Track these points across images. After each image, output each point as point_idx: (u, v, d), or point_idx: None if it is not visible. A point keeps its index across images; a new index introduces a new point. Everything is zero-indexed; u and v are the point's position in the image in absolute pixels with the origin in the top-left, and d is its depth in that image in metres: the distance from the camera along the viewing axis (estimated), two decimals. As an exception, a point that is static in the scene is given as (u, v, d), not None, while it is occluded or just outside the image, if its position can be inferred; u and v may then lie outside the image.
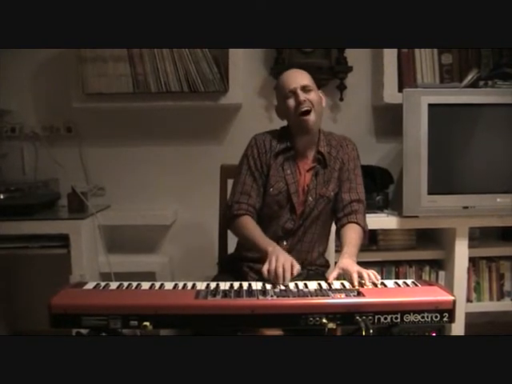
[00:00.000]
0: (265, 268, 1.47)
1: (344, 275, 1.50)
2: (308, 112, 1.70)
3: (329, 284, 1.45)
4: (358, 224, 1.72)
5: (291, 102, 1.72)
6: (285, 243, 1.74)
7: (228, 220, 1.78)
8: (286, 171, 1.76)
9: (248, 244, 1.72)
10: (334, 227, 1.86)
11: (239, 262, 1.79)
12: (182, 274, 2.60)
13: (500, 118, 2.24)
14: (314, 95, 1.73)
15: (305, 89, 1.72)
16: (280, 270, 1.44)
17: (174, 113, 2.59)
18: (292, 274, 1.46)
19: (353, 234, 1.68)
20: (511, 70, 2.32)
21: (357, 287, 1.40)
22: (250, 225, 1.70)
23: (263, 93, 2.60)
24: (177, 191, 2.66)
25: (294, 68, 1.82)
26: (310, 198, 1.75)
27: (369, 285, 1.41)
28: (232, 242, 1.96)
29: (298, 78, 1.74)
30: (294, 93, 1.71)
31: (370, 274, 1.45)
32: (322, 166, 1.77)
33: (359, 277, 1.44)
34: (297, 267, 1.48)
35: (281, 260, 1.47)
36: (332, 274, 1.51)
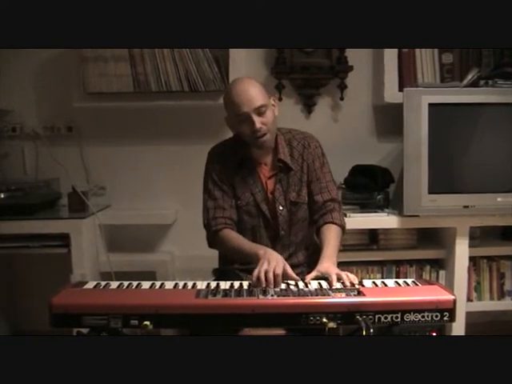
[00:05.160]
0: (255, 273, 1.44)
1: (323, 277, 1.49)
2: (264, 135, 1.63)
3: (329, 283, 1.45)
4: (335, 223, 1.70)
5: (245, 127, 1.61)
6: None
7: (209, 238, 1.74)
8: (248, 181, 1.72)
9: (236, 255, 1.68)
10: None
11: (233, 272, 1.73)
12: (182, 274, 2.59)
13: (500, 118, 2.24)
14: (268, 114, 1.62)
15: (259, 110, 1.59)
16: (270, 275, 1.41)
17: (174, 112, 2.59)
18: (290, 277, 1.45)
19: (331, 234, 1.66)
20: (512, 69, 2.32)
21: (336, 287, 1.40)
22: (232, 236, 1.67)
23: (264, 92, 2.60)
24: (177, 190, 2.66)
25: (246, 79, 1.68)
26: (280, 207, 1.71)
27: (348, 285, 1.41)
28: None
29: (250, 99, 1.58)
30: (248, 117, 1.59)
31: (350, 276, 1.45)
32: (285, 172, 1.72)
33: (339, 278, 1.45)
34: (289, 272, 1.46)
35: (272, 264, 1.44)
36: (310, 275, 1.50)
